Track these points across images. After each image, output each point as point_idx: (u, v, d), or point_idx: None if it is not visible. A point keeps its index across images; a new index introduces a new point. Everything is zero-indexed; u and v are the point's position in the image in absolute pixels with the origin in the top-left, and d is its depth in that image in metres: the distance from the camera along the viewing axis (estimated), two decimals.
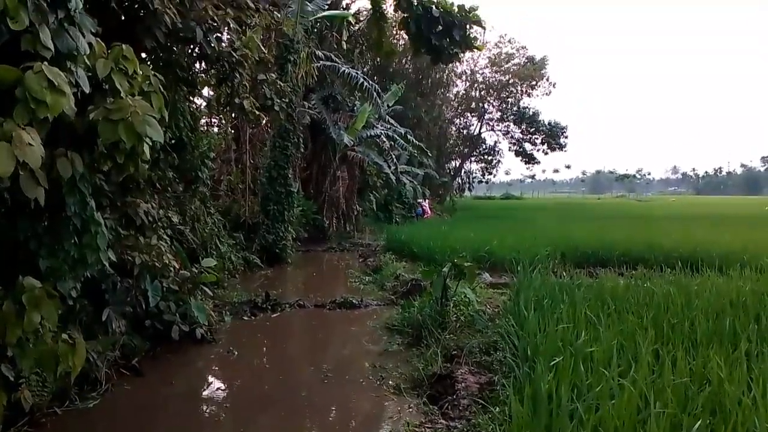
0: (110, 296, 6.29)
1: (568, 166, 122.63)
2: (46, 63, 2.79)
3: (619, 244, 13.57)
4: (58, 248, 4.08)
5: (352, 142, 20.20)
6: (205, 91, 12.23)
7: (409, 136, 23.26)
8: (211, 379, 6.65)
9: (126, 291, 6.54)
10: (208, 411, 5.73)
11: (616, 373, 3.93)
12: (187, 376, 6.55)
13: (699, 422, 3.11)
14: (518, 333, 5.72)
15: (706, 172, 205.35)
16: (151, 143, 3.73)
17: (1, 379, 3.93)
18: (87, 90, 3.23)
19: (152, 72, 4.32)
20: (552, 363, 4.25)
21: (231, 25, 6.09)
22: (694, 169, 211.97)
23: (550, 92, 48.81)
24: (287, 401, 5.71)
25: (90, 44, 3.40)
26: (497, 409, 4.24)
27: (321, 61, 16.67)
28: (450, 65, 34.24)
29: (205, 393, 6.20)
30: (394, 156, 23.39)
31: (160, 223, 7.01)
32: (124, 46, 3.70)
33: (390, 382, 6.05)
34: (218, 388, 6.31)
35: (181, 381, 6.34)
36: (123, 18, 5.29)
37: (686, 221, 23.25)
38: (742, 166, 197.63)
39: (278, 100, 7.93)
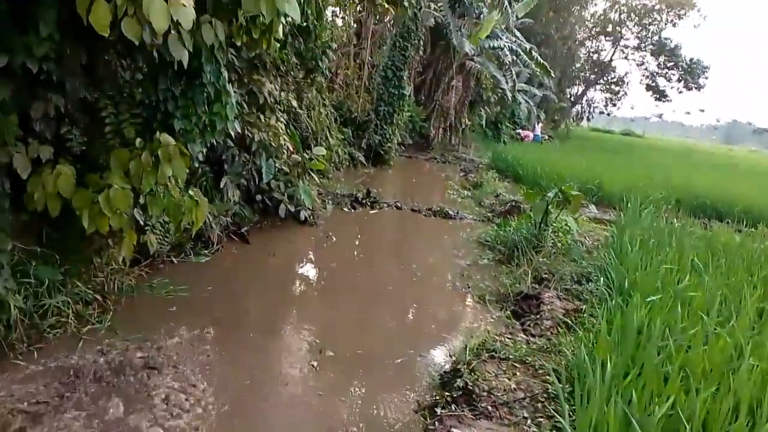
0: (229, 167, 6.76)
1: (702, 110, 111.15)
2: None
3: (741, 199, 12.47)
4: (192, 112, 4.38)
5: (473, 51, 19.40)
6: None
7: (534, 53, 21.89)
8: (309, 257, 7.12)
9: (243, 164, 6.99)
10: (301, 285, 6.20)
11: (715, 321, 3.78)
12: (287, 251, 7.06)
13: None
14: (617, 267, 5.58)
15: None
16: (286, 22, 3.81)
17: (132, 221, 4.43)
18: None
19: None
20: (648, 299, 4.14)
21: None
22: None
23: (698, 24, 43.74)
24: (375, 292, 6.03)
25: None
26: (581, 332, 4.24)
27: None
28: None
29: (301, 269, 6.68)
30: (513, 72, 22.30)
31: (280, 105, 7.28)
32: None
33: (476, 293, 6.19)
34: (314, 267, 6.76)
35: (282, 254, 6.84)
36: None
37: None
38: None
39: None
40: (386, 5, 7.20)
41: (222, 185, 6.49)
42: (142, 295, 4.98)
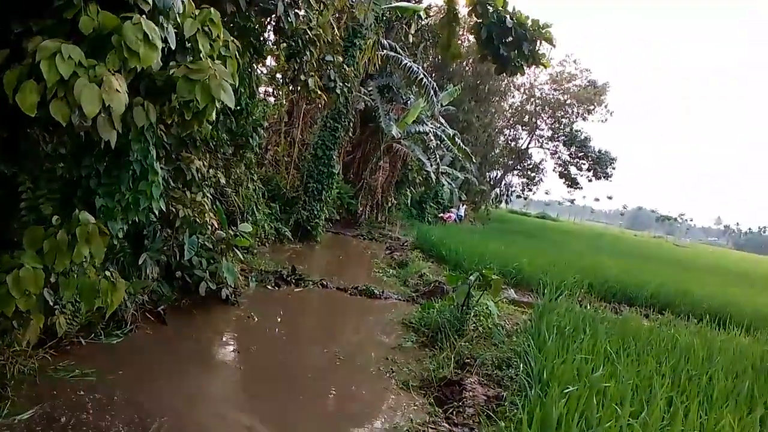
0: (149, 242, 6.52)
1: (610, 197, 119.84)
2: (144, 16, 2.93)
3: (650, 285, 13.33)
4: (115, 189, 4.26)
5: (399, 135, 20.25)
6: (268, 61, 12.44)
7: (456, 138, 23.16)
8: (229, 340, 6.85)
9: (164, 240, 6.77)
10: (220, 371, 5.92)
11: (628, 412, 3.94)
12: (206, 333, 6.77)
13: None
14: (535, 354, 5.74)
15: (750, 228, 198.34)
16: (220, 106, 3.87)
17: (42, 303, 4.15)
18: (173, 46, 3.37)
19: (231, 38, 4.46)
20: (566, 390, 4.27)
21: (311, 2, 6.20)
22: (737, 224, 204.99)
23: (606, 119, 48.01)
24: (297, 377, 5.85)
25: (183, 2, 3.54)
26: (503, 424, 4.28)
27: (385, 50, 16.73)
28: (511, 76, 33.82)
29: (219, 353, 6.41)
30: (438, 155, 23.36)
31: (207, 181, 7.20)
32: (212, 9, 3.84)
33: (399, 377, 6.15)
34: (233, 351, 6.49)
35: (200, 336, 6.56)
36: None
37: (723, 274, 22.60)
38: None
39: (340, 84, 8.04)
40: (319, 92, 7.45)
41: (141, 261, 6.23)
42: (45, 379, 4.59)
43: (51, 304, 4.32)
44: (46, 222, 3.85)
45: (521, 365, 5.80)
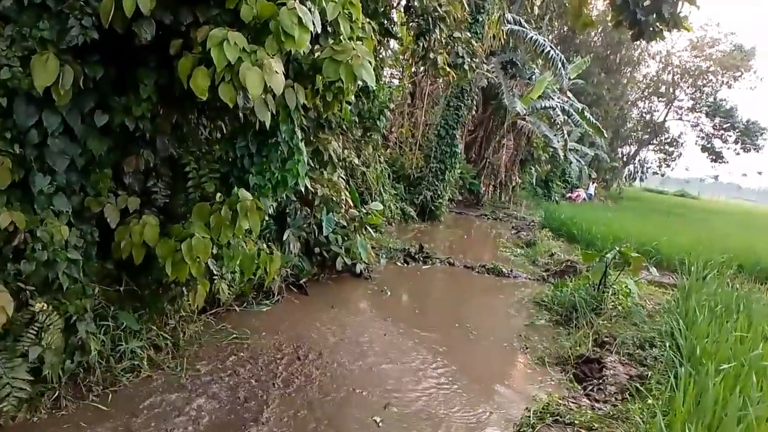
0: (292, 220, 6.98)
1: (759, 173, 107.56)
2: (296, 1, 3.15)
3: None
4: (266, 168, 4.62)
5: (524, 111, 19.66)
6: (391, 44, 12.65)
7: (586, 113, 21.97)
8: (365, 310, 7.16)
9: (305, 218, 7.20)
10: (358, 339, 6.20)
11: None
12: (345, 303, 7.14)
13: None
14: (685, 333, 5.39)
15: None
16: (361, 85, 4.04)
17: (207, 272, 4.64)
18: (318, 29, 3.57)
19: (367, 19, 4.62)
20: (721, 368, 3.99)
21: None
22: None
23: (755, 87, 42.97)
24: (431, 349, 5.98)
25: None
26: (651, 401, 4.10)
27: (509, 25, 16.26)
28: (645, 44, 31.41)
29: (358, 322, 6.72)
30: (565, 131, 22.37)
31: (342, 162, 7.54)
32: None
33: (535, 354, 6.08)
34: (371, 320, 6.76)
35: (340, 306, 6.93)
36: None
37: None
38: None
39: (468, 60, 7.99)
40: (448, 69, 7.46)
41: (285, 238, 6.69)
42: (210, 340, 5.15)
43: (214, 273, 4.84)
44: (209, 198, 4.28)
45: (667, 344, 5.48)
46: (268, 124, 3.68)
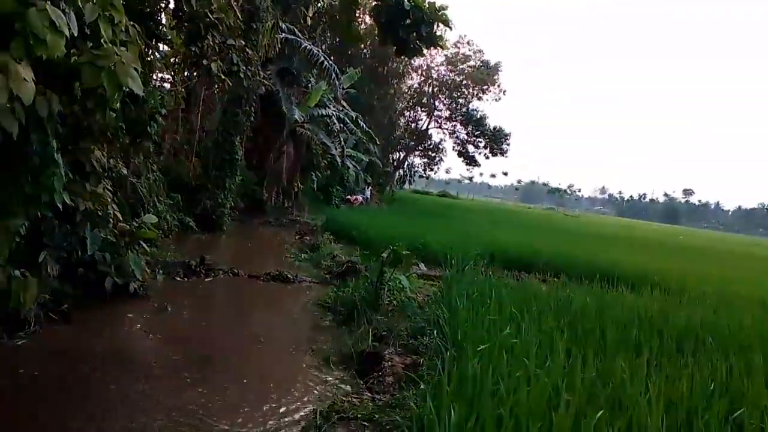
0: (48, 239, 6.17)
1: (505, 173, 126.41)
2: (48, 2, 2.82)
3: (544, 253, 14.33)
4: (13, 184, 4.05)
5: (302, 119, 20.15)
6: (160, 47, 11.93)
7: (360, 121, 23.39)
8: (141, 333, 6.64)
9: (64, 236, 6.42)
10: (133, 363, 5.74)
11: (534, 364, 4.36)
12: (116, 327, 6.55)
13: (600, 413, 3.56)
14: (448, 320, 6.11)
15: (631, 196, 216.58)
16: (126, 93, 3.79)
17: None
18: (75, 33, 3.25)
19: (131, 23, 4.35)
20: (478, 349, 4.63)
21: None
22: (620, 192, 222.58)
23: (499, 98, 50.11)
24: (219, 360, 5.84)
25: None
26: (423, 386, 4.58)
27: (284, 33, 16.51)
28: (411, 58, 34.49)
29: (134, 345, 6.22)
30: (342, 138, 23.49)
31: (107, 173, 6.90)
32: None
33: (320, 354, 6.31)
34: (149, 341, 6.32)
35: (110, 333, 6.33)
36: None
37: (608, 240, 24.76)
38: (665, 195, 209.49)
39: (243, 67, 7.93)
40: (222, 76, 7.32)
41: (41, 259, 5.89)
42: None
43: None
44: None
45: (435, 332, 6.15)
46: (15, 135, 3.23)
